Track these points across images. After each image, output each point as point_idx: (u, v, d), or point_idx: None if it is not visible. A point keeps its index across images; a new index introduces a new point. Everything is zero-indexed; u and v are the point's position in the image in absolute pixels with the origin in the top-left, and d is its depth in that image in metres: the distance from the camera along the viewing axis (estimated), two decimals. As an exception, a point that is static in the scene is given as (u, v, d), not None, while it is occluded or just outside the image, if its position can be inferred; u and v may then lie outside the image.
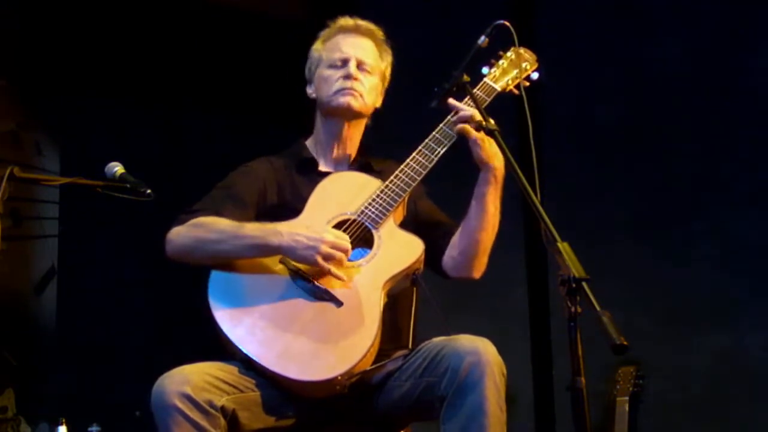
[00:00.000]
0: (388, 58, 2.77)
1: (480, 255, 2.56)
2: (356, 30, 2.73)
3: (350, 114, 2.68)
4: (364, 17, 2.80)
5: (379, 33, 2.76)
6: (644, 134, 4.16)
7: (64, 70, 4.49)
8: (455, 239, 2.58)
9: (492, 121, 2.34)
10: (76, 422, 3.66)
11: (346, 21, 2.76)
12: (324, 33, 2.77)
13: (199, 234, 2.47)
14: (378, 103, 2.76)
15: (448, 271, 2.60)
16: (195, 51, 4.63)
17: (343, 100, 2.65)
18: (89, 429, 3.69)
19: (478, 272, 2.59)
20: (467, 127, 2.45)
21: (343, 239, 2.40)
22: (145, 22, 4.52)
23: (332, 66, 2.69)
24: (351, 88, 2.65)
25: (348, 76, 2.65)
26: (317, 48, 2.76)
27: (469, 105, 2.49)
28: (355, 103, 2.66)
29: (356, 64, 2.67)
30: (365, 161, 2.74)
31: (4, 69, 4.32)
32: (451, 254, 2.58)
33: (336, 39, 2.73)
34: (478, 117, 2.41)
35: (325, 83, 2.68)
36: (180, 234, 2.49)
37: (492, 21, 2.43)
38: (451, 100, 2.48)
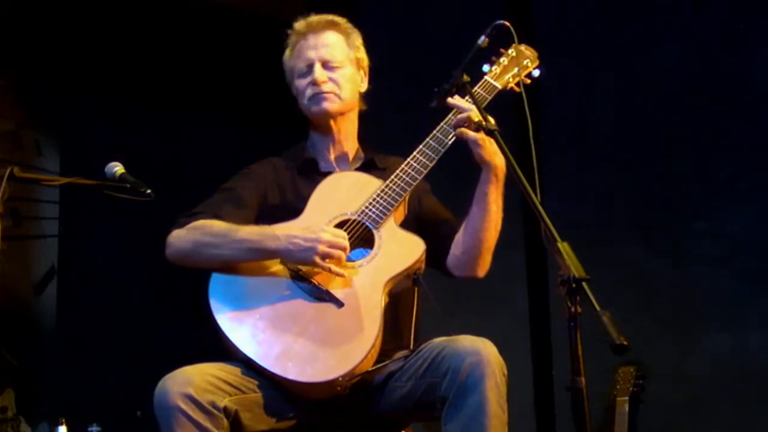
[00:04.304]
0: (358, 41, 2.75)
1: (484, 254, 2.56)
2: (312, 29, 2.71)
3: (329, 117, 2.68)
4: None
5: (339, 20, 2.74)
6: (644, 134, 4.15)
7: (64, 70, 4.49)
8: (459, 238, 2.58)
9: (492, 121, 2.34)
10: (76, 422, 3.66)
11: (299, 24, 2.74)
12: (289, 41, 2.75)
13: (196, 237, 2.47)
14: (363, 88, 2.75)
15: (452, 270, 2.60)
16: (195, 51, 4.63)
17: (318, 107, 2.66)
18: (89, 429, 3.69)
19: (482, 271, 2.59)
20: (466, 130, 2.45)
21: (341, 237, 2.39)
22: (146, 22, 4.51)
23: (301, 75, 2.69)
24: (321, 93, 2.65)
25: (314, 82, 2.65)
26: (286, 58, 2.75)
27: (468, 104, 2.50)
28: (332, 106, 2.66)
29: (321, 65, 2.66)
30: (369, 158, 2.74)
31: (4, 69, 4.32)
32: (455, 253, 2.58)
33: (299, 45, 2.72)
34: (478, 117, 2.41)
35: (300, 93, 2.70)
36: (179, 237, 2.49)
37: (492, 21, 2.43)
38: (450, 99, 2.48)
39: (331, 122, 2.70)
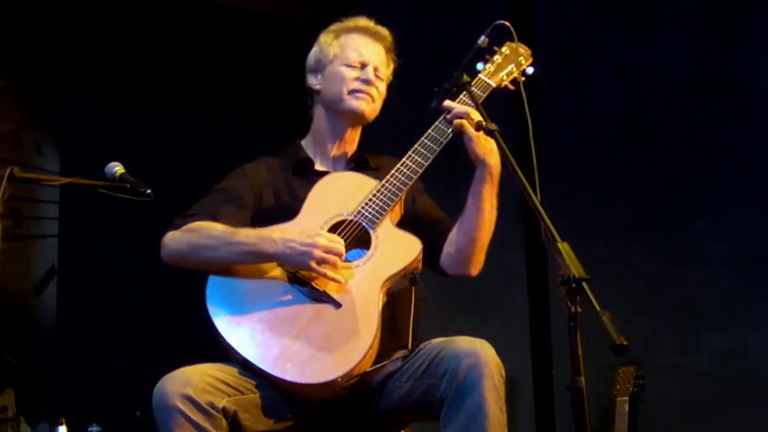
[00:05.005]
0: (393, 65, 2.78)
1: (477, 252, 2.55)
2: (374, 35, 2.74)
3: (360, 118, 2.70)
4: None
5: (390, 39, 2.77)
6: (644, 134, 4.15)
7: (64, 70, 4.49)
8: (452, 237, 2.57)
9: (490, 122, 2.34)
10: (76, 422, 3.66)
11: (366, 22, 2.76)
12: (337, 27, 2.76)
13: (193, 239, 2.46)
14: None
15: (445, 269, 2.59)
16: (195, 51, 4.63)
17: (357, 103, 2.66)
18: (89, 429, 3.69)
19: (475, 269, 2.59)
20: (464, 122, 2.45)
21: (337, 242, 2.39)
22: (146, 22, 4.51)
23: (349, 65, 2.69)
24: (367, 93, 2.66)
25: (367, 81, 2.66)
26: (329, 41, 2.74)
27: (466, 104, 2.49)
28: (367, 108, 2.68)
29: (373, 70, 2.68)
30: (361, 157, 2.74)
31: (4, 69, 4.32)
32: (448, 252, 2.58)
33: (353, 38, 2.73)
34: (476, 116, 2.41)
35: (340, 81, 2.68)
36: (175, 239, 2.48)
37: (492, 21, 2.43)
38: (446, 102, 2.48)
39: (349, 126, 2.71)
